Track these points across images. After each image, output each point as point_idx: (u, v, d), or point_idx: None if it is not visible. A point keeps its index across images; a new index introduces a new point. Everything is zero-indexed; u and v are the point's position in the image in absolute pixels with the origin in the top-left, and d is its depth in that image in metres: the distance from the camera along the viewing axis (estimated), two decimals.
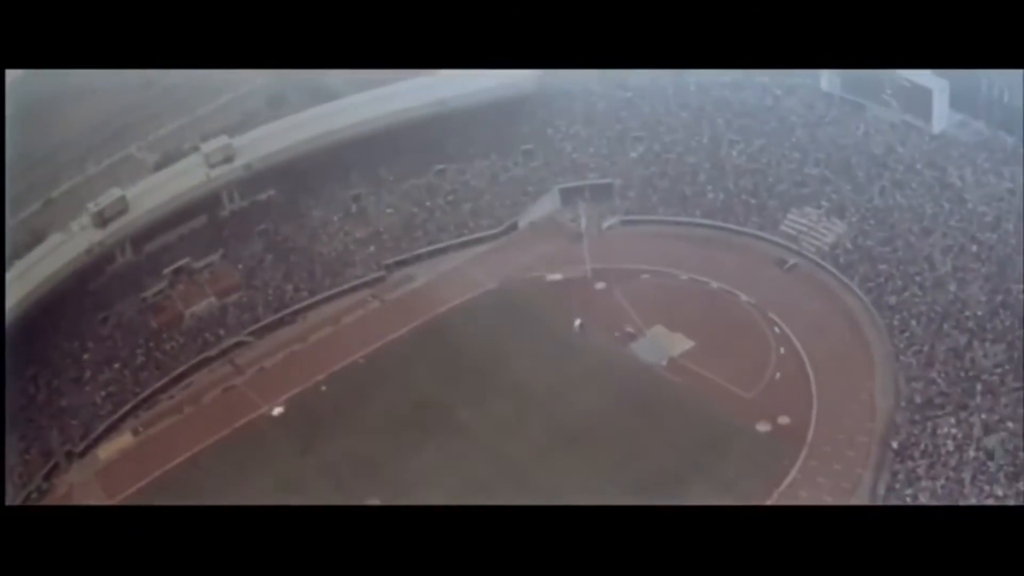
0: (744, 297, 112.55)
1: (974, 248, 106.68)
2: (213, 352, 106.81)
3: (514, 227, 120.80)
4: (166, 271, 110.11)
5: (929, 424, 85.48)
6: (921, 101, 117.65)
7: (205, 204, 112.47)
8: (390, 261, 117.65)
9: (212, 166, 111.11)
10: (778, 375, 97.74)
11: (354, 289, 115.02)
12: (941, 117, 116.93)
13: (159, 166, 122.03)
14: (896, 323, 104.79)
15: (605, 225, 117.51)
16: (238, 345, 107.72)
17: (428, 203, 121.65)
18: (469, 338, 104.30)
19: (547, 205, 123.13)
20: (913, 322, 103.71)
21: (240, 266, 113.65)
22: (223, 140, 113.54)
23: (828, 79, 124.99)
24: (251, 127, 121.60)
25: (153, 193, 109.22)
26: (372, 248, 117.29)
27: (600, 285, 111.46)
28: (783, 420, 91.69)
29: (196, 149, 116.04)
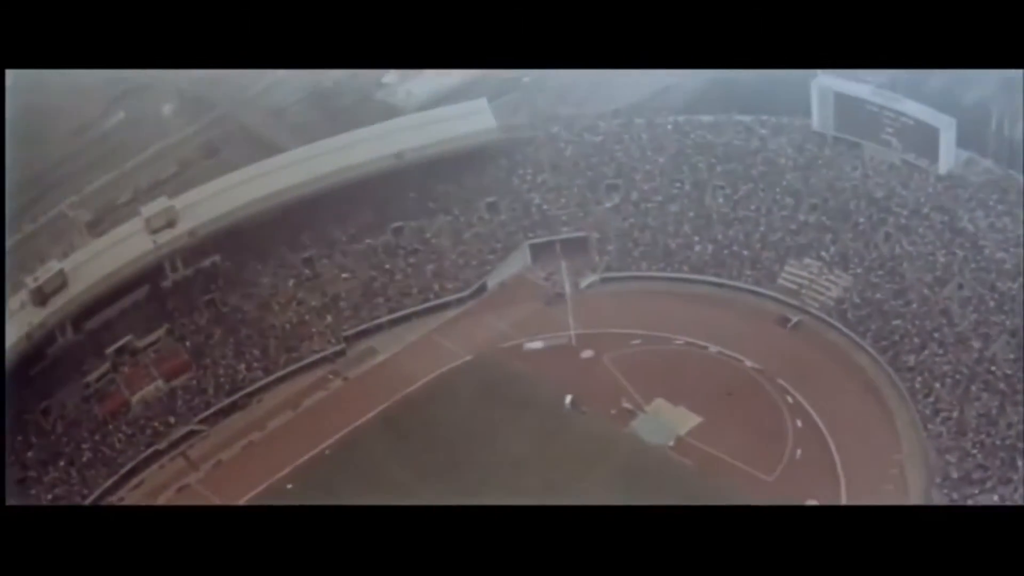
0: (749, 363, 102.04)
1: (995, 299, 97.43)
2: (163, 445, 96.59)
3: (483, 289, 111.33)
4: (109, 351, 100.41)
5: (970, 503, 78.13)
6: (925, 140, 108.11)
7: (147, 274, 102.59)
8: (349, 332, 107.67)
9: (154, 232, 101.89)
10: (799, 452, 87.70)
11: (312, 366, 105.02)
12: (948, 157, 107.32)
13: (93, 226, 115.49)
14: (918, 386, 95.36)
15: (584, 284, 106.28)
16: (190, 435, 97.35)
17: (387, 265, 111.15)
18: (446, 422, 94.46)
19: (517, 263, 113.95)
20: (937, 384, 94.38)
21: (187, 343, 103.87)
22: (164, 202, 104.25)
23: (820, 117, 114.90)
24: (188, 179, 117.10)
25: (92, 264, 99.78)
26: (329, 318, 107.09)
27: (587, 354, 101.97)
28: (811, 504, 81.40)
29: (130, 202, 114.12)
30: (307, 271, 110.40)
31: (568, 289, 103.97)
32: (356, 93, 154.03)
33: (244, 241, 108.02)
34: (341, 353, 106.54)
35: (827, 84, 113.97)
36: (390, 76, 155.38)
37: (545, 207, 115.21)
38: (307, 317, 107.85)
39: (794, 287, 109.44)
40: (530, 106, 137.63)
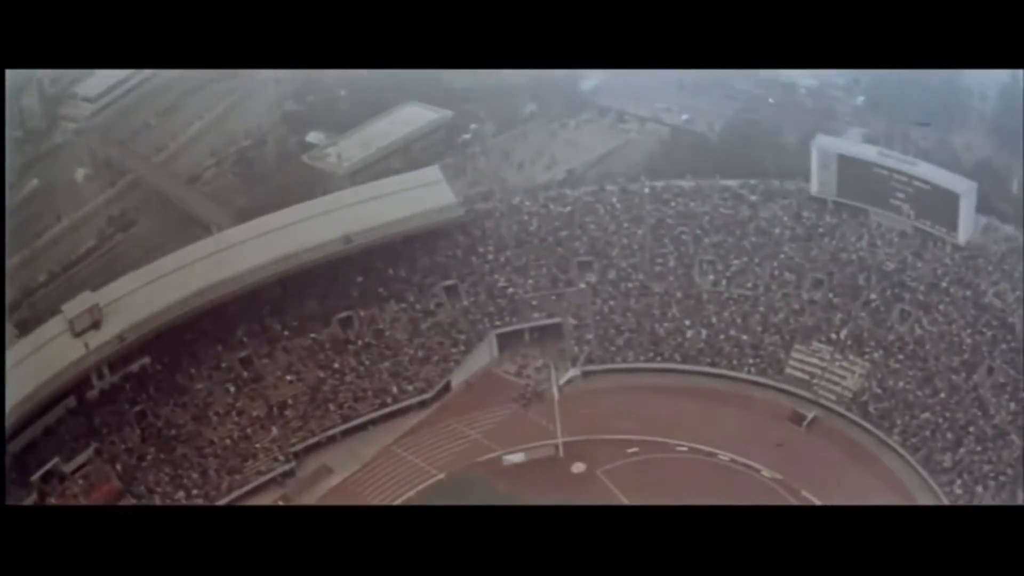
0: (765, 472, 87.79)
1: None
2: None
3: (447, 389, 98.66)
4: (34, 478, 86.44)
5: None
6: (941, 206, 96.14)
7: (72, 383, 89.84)
8: (298, 447, 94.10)
9: (78, 334, 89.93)
10: None
11: (258, 490, 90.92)
12: (968, 225, 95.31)
13: (11, 310, 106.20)
14: (959, 491, 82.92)
15: (562, 380, 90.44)
16: None
17: (336, 364, 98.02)
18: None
19: (483, 357, 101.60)
20: (979, 488, 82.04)
21: (117, 465, 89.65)
22: (87, 299, 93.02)
23: (820, 181, 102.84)
24: (108, 257, 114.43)
25: (13, 375, 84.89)
26: (274, 430, 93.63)
27: (578, 468, 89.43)
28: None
29: (47, 283, 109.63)
30: (246, 373, 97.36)
31: (553, 387, 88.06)
32: (278, 155, 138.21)
33: (175, 339, 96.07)
34: (290, 473, 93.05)
35: (829, 146, 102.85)
36: (315, 135, 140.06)
37: (511, 290, 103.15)
38: (249, 430, 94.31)
39: (805, 377, 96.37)
40: (473, 170, 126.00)
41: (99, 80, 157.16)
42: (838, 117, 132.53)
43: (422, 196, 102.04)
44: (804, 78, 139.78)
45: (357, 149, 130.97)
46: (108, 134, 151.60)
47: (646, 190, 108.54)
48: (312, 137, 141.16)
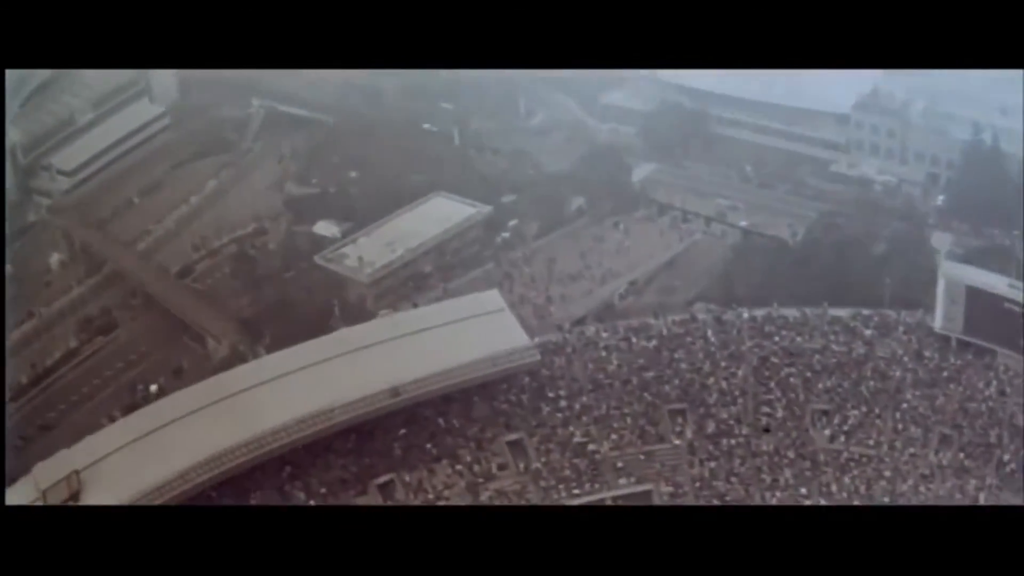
0: None
1: None
2: None
3: None
4: None
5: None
6: None
7: None
8: None
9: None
10: None
11: None
12: None
13: None
14: None
15: None
16: None
17: None
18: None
19: None
20: None
21: None
22: (64, 459, 76.29)
23: (946, 316, 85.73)
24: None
25: None
26: None
27: None
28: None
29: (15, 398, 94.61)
30: None
31: None
32: (283, 249, 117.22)
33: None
34: None
35: (958, 275, 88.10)
36: (325, 226, 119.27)
37: (591, 447, 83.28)
38: None
39: None
40: (520, 281, 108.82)
41: (77, 151, 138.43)
42: (920, 218, 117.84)
43: (484, 332, 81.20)
44: (880, 174, 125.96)
45: (380, 249, 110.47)
46: (86, 214, 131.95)
47: (744, 316, 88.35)
48: (322, 228, 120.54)
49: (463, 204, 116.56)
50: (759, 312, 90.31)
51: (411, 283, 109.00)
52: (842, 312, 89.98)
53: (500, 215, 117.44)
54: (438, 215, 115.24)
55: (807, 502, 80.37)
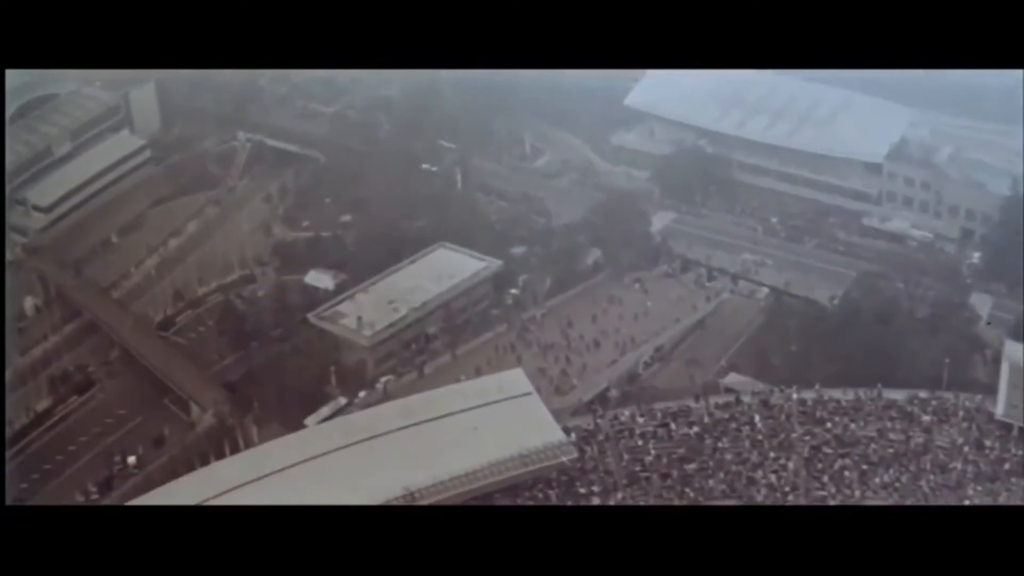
0: None
1: None
2: None
3: None
4: None
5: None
6: None
7: None
8: None
9: None
10: None
11: None
12: None
13: None
14: None
15: None
16: None
17: None
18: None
19: None
20: None
21: None
22: None
23: (1009, 401, 79.84)
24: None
25: None
26: None
27: None
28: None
29: None
30: None
31: None
32: (273, 302, 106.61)
33: None
34: None
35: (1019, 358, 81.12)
36: (318, 277, 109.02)
37: None
38: None
39: None
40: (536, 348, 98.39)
41: (53, 185, 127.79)
42: (958, 278, 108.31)
43: (510, 422, 71.35)
44: (914, 228, 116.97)
45: (380, 308, 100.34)
46: (62, 254, 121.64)
47: (793, 398, 79.69)
48: (314, 278, 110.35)
49: (469, 257, 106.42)
50: (808, 395, 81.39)
51: (415, 346, 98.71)
52: (898, 395, 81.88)
53: (509, 267, 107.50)
54: (443, 269, 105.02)
55: None
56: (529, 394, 75.72)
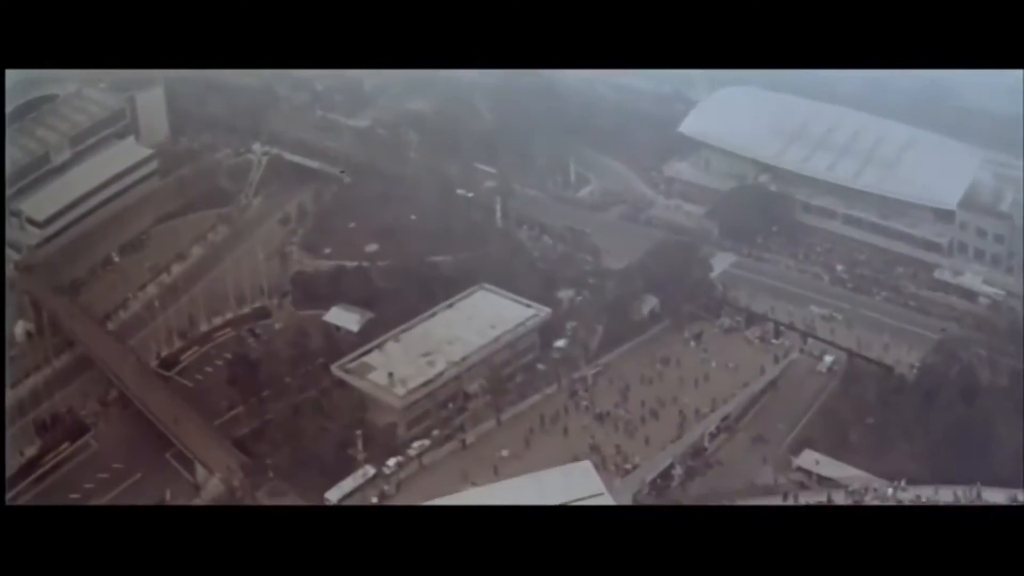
0: None
1: None
2: None
3: None
4: None
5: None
6: None
7: None
8: None
9: None
10: None
11: None
12: None
13: None
14: None
15: None
16: None
17: None
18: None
19: None
20: None
21: None
22: None
23: None
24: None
25: None
26: None
27: None
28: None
29: None
30: None
31: None
32: (291, 347, 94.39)
33: None
34: None
35: None
36: (341, 315, 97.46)
37: None
38: None
39: None
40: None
41: (50, 196, 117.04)
42: None
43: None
44: (985, 284, 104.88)
45: (413, 361, 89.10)
46: (57, 273, 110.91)
47: (891, 492, 67.36)
48: (336, 317, 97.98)
49: (514, 302, 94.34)
50: (905, 495, 73.13)
51: (452, 406, 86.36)
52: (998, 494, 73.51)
53: (556, 313, 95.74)
54: (484, 315, 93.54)
55: None
56: (601, 494, 63.17)
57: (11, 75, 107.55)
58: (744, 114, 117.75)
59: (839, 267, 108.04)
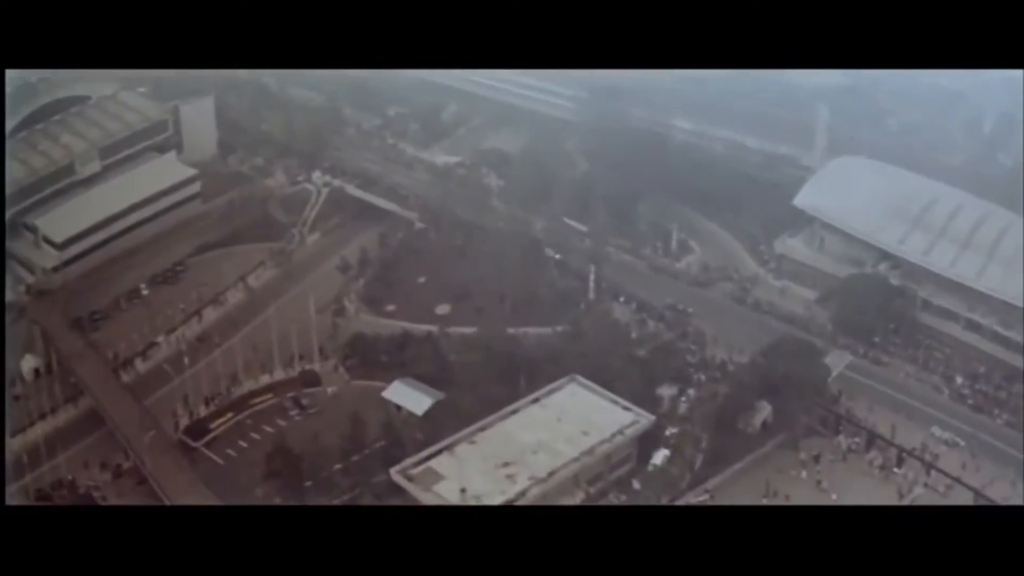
0: None
1: None
2: None
3: None
4: None
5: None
6: None
7: None
8: None
9: None
10: None
11: None
12: None
13: None
14: None
15: None
16: None
17: None
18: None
19: None
20: None
21: None
22: None
23: None
24: None
25: None
26: None
27: None
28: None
29: None
30: None
31: None
32: (349, 431, 79.28)
33: None
34: None
35: None
36: (406, 393, 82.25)
37: None
38: None
39: None
40: None
41: (72, 214, 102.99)
42: None
43: None
44: None
45: (493, 474, 73.18)
46: (73, 303, 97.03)
47: None
48: (398, 394, 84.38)
49: (610, 403, 78.52)
50: None
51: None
52: None
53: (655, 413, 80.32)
54: (575, 418, 78.45)
55: None
56: None
57: (32, 72, 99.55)
58: (862, 189, 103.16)
59: (959, 379, 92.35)
